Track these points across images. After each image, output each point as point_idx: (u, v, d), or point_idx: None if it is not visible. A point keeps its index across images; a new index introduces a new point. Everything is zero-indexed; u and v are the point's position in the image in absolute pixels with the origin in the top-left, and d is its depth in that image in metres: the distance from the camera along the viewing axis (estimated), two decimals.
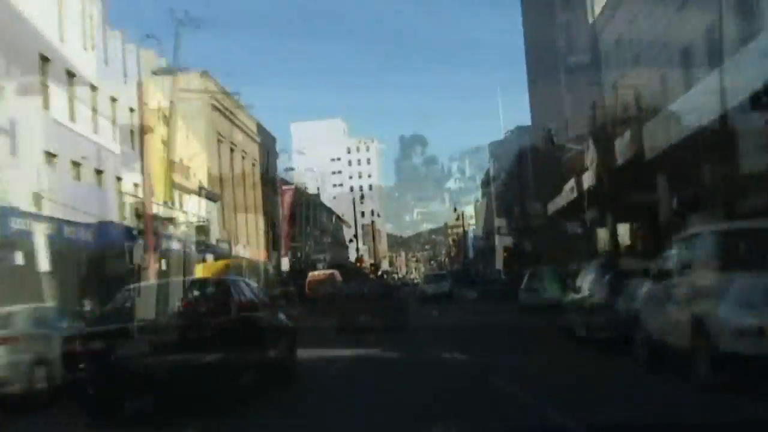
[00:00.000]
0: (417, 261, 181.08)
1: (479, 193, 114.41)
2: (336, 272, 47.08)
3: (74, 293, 21.47)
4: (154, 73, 27.10)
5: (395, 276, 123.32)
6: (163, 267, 25.94)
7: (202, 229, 33.54)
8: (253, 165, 56.57)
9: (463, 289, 45.89)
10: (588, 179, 27.29)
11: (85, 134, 27.51)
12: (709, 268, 9.39)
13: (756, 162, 15.65)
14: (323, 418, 9.44)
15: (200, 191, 39.39)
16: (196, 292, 11.96)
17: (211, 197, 38.74)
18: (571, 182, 30.60)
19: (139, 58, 29.48)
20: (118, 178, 30.01)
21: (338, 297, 29.69)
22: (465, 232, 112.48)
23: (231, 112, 50.39)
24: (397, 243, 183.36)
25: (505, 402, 9.61)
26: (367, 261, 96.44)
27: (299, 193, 77.24)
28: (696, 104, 17.76)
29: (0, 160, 21.20)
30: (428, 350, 16.63)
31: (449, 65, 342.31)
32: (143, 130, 24.71)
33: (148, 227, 24.10)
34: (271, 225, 56.17)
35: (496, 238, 69.81)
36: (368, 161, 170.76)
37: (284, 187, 54.51)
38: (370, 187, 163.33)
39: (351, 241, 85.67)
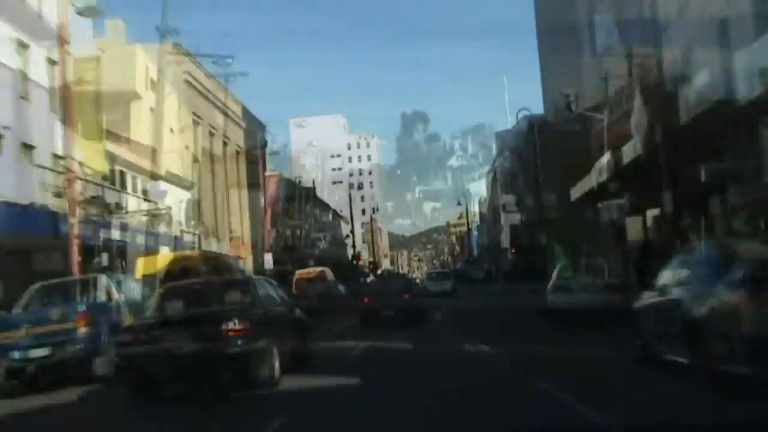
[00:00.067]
0: (419, 260, 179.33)
1: (482, 172, 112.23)
2: (327, 270, 41.75)
3: None
4: (79, 13, 21.65)
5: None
6: (100, 260, 20.61)
7: (163, 219, 28.08)
8: (238, 153, 51.15)
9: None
10: (629, 151, 21.76)
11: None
12: None
13: None
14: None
15: (167, 178, 33.98)
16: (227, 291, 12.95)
17: (181, 184, 33.37)
18: (604, 159, 25.10)
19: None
20: (59, 156, 24.48)
21: (329, 297, 27.75)
22: (469, 230, 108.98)
23: (210, 92, 44.94)
24: (398, 242, 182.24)
25: None
26: (366, 259, 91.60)
27: (292, 184, 72.35)
28: None
29: None
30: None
31: (451, 41, 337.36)
32: (65, 88, 19.24)
33: (72, 209, 18.77)
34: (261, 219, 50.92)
35: (502, 216, 68.23)
36: (369, 158, 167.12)
37: (267, 174, 48.92)
38: (369, 173, 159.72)
39: (347, 236, 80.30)
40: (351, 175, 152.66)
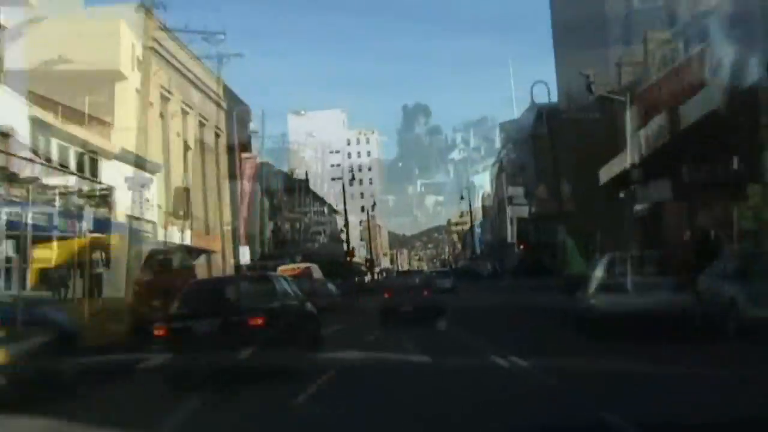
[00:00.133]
0: (420, 260, 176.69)
1: (485, 164, 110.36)
2: (314, 266, 36.73)
3: None
4: None
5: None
6: None
7: (102, 200, 22.78)
8: (218, 136, 45.76)
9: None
10: (694, 109, 16.42)
11: None
12: None
13: None
14: None
15: (122, 156, 28.71)
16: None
17: (136, 164, 28.15)
18: (655, 122, 19.75)
19: None
20: None
21: (314, 298, 24.55)
22: (472, 227, 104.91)
23: (183, 64, 39.53)
24: (398, 241, 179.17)
25: None
26: (363, 257, 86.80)
27: (287, 177, 67.36)
28: None
29: None
30: None
31: (453, 33, 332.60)
32: None
33: None
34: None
35: (508, 209, 65.70)
36: (368, 153, 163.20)
37: (244, 155, 43.53)
38: (369, 168, 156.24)
39: (342, 231, 75.30)
40: (351, 170, 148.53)
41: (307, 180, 74.88)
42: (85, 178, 24.35)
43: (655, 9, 42.60)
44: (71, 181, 21.93)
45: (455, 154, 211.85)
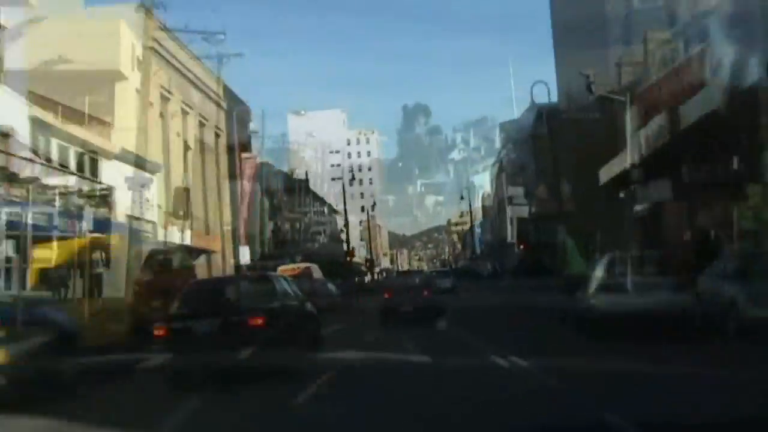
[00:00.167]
0: (420, 260, 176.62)
1: (485, 164, 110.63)
2: (314, 266, 36.76)
3: None
4: None
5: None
6: None
7: (102, 200, 22.84)
8: (218, 136, 45.78)
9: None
10: (694, 109, 16.41)
11: None
12: None
13: None
14: None
15: (122, 156, 28.70)
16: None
17: (136, 164, 28.20)
18: (655, 123, 19.75)
19: None
20: None
21: (314, 297, 24.54)
22: (472, 227, 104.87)
23: (183, 64, 39.55)
24: (398, 241, 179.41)
25: None
26: (363, 257, 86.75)
27: (286, 176, 67.41)
28: None
29: None
30: None
31: (453, 33, 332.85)
32: None
33: None
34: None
35: (508, 209, 65.75)
36: (368, 153, 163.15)
37: (244, 155, 43.55)
38: (369, 169, 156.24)
39: (342, 231, 75.30)
40: (351, 170, 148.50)
41: (307, 180, 74.88)
42: (85, 178, 24.40)
43: (655, 9, 42.64)
44: (71, 181, 21.99)
45: (455, 154, 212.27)
